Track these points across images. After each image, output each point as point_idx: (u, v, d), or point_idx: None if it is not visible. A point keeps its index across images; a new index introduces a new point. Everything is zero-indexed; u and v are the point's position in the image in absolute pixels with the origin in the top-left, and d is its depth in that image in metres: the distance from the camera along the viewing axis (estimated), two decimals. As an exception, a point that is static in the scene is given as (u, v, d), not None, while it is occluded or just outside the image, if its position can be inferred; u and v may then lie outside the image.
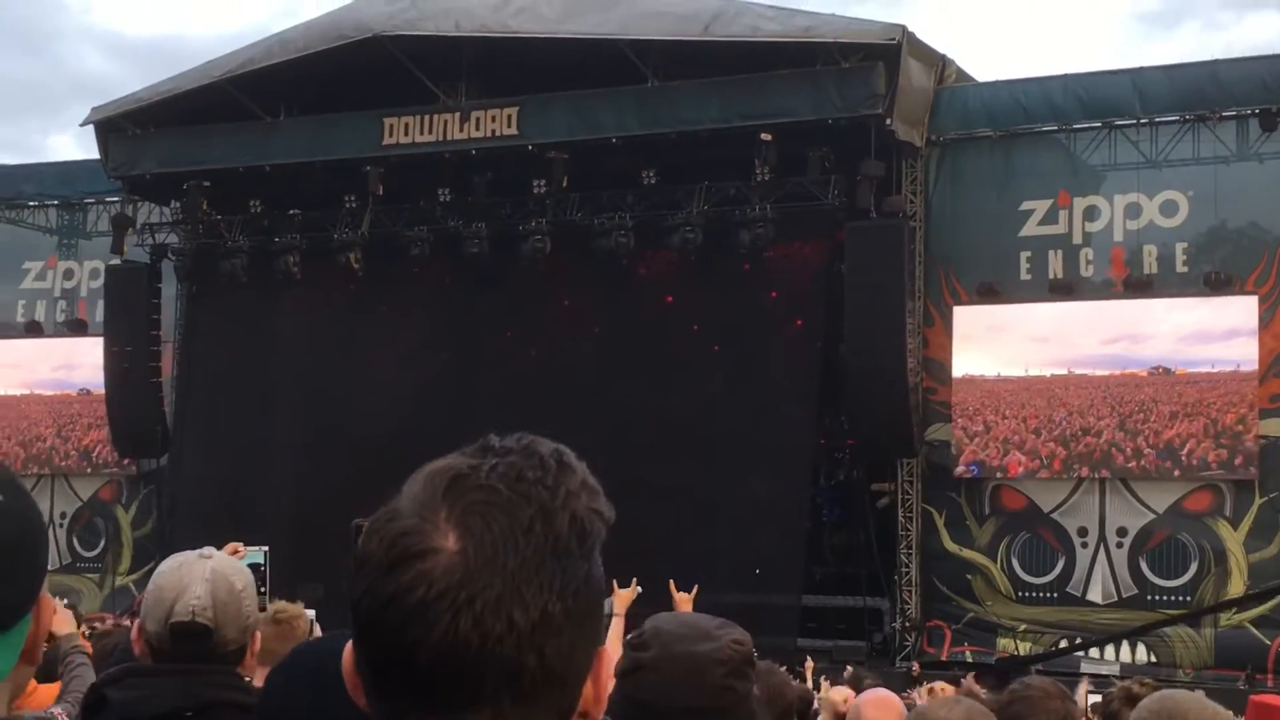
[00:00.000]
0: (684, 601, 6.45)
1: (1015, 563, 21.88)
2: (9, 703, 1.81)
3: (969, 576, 21.87)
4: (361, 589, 1.43)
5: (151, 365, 26.37)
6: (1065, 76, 22.63)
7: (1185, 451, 21.21)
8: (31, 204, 29.11)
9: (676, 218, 22.60)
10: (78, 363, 28.27)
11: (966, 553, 22.00)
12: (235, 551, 3.98)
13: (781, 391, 22.66)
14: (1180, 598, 20.72)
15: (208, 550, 3.69)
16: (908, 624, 21.96)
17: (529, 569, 1.39)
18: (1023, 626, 21.62)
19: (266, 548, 5.63)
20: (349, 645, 1.51)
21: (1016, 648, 21.29)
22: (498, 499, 1.42)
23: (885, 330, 21.55)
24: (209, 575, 3.52)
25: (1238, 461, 20.92)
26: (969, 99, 22.93)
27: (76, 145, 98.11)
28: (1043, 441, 22.01)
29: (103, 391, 27.04)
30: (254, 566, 4.02)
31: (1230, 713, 3.45)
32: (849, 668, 15.80)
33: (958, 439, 22.28)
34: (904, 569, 22.19)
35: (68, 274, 29.09)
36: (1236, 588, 20.58)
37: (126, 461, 27.72)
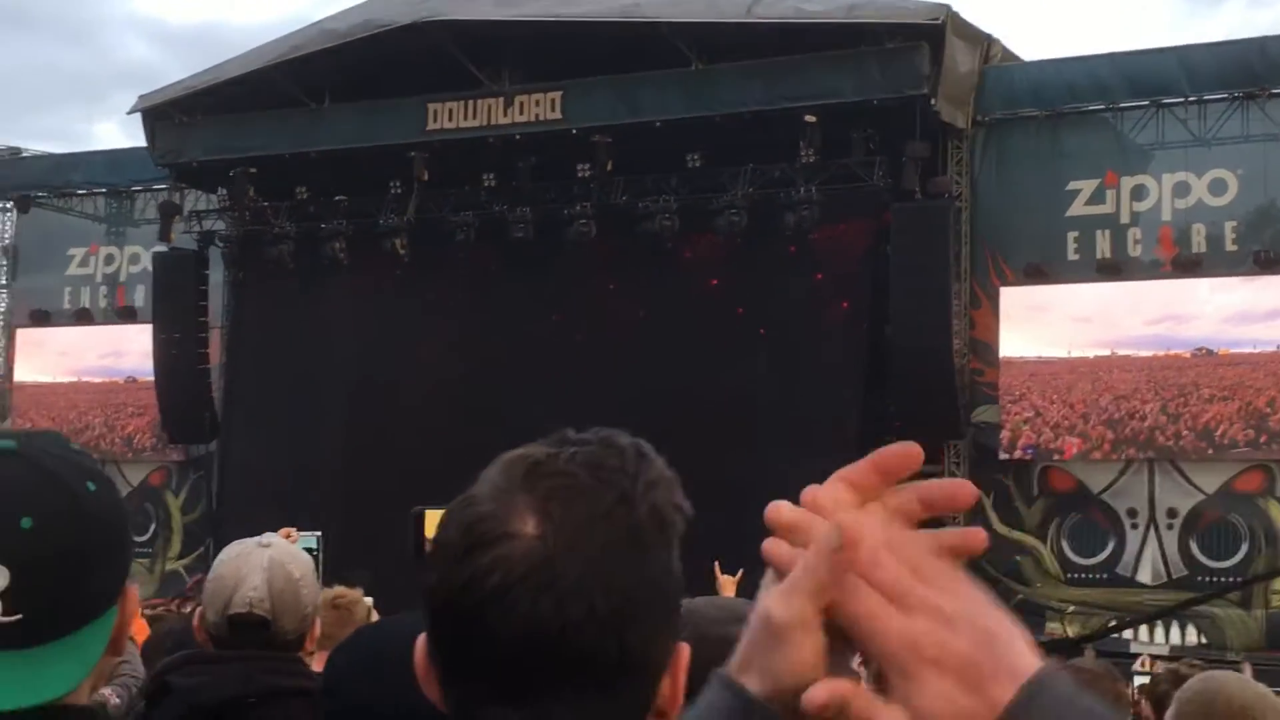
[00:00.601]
0: (728, 584, 6.44)
1: (1065, 544, 21.77)
2: (90, 691, 1.85)
3: (1018, 558, 21.78)
4: (437, 575, 1.42)
5: (199, 352, 26.52)
6: (1112, 55, 22.47)
7: (1219, 434, 21.07)
8: (80, 192, 29.32)
9: (721, 200, 22.56)
10: (125, 349, 28.47)
11: (1016, 534, 21.90)
12: (288, 536, 4.00)
13: (827, 374, 22.58)
14: (1231, 578, 20.58)
15: (267, 538, 3.69)
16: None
17: (610, 555, 1.38)
18: (1071, 608, 21.52)
19: (319, 533, 5.66)
20: (421, 636, 1.50)
21: (1065, 630, 21.19)
22: (577, 485, 1.42)
23: (931, 312, 21.46)
24: (267, 565, 3.53)
25: (1262, 439, 20.77)
26: (1015, 78, 22.79)
27: (121, 133, 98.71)
28: (1091, 425, 21.89)
29: (149, 378, 27.23)
30: (307, 552, 4.02)
31: (1273, 694, 3.43)
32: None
33: (1007, 421, 22.18)
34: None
35: (109, 259, 29.29)
36: (1288, 569, 20.43)
37: (174, 448, 27.90)
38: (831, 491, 1.17)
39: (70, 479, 1.80)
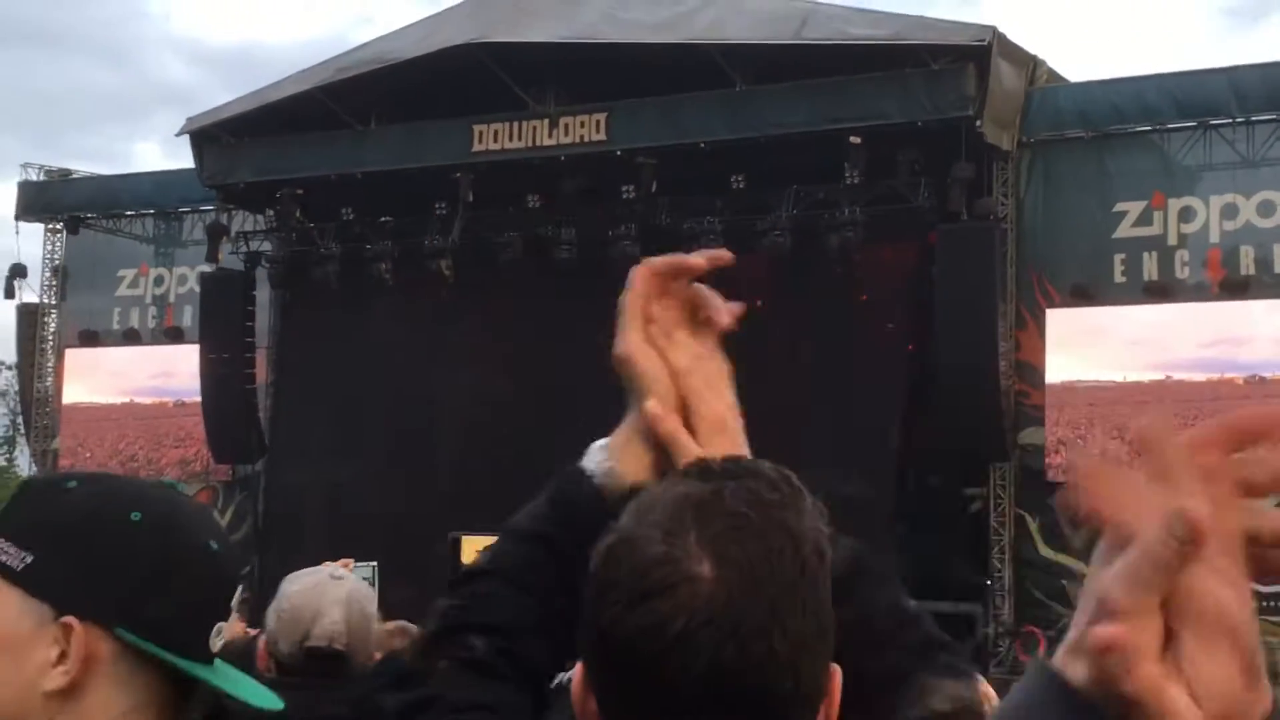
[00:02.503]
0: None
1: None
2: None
3: (1064, 582, 21.60)
4: (609, 617, 1.42)
5: (246, 372, 26.66)
6: (1159, 76, 22.36)
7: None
8: (128, 213, 29.57)
9: (765, 222, 22.54)
10: (174, 370, 28.64)
11: (1062, 558, 21.73)
12: (346, 566, 4.02)
13: (871, 395, 22.51)
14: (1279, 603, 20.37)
15: (339, 570, 3.71)
16: (1001, 630, 21.76)
17: (786, 594, 1.40)
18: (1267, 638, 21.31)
19: (375, 563, 5.68)
20: (578, 671, 1.52)
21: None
22: (749, 525, 1.43)
23: (977, 333, 21.37)
24: (344, 599, 3.54)
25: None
26: (1061, 100, 22.70)
27: (162, 153, 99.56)
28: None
29: (196, 399, 27.38)
30: (364, 581, 4.05)
31: None
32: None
33: (1052, 444, 22.05)
34: (997, 574, 21.99)
35: (158, 280, 29.50)
36: (1338, 594, 20.20)
37: (220, 468, 28.02)
38: (1168, 451, 1.09)
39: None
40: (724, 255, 1.97)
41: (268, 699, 1.90)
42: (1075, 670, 1.11)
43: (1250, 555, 1.07)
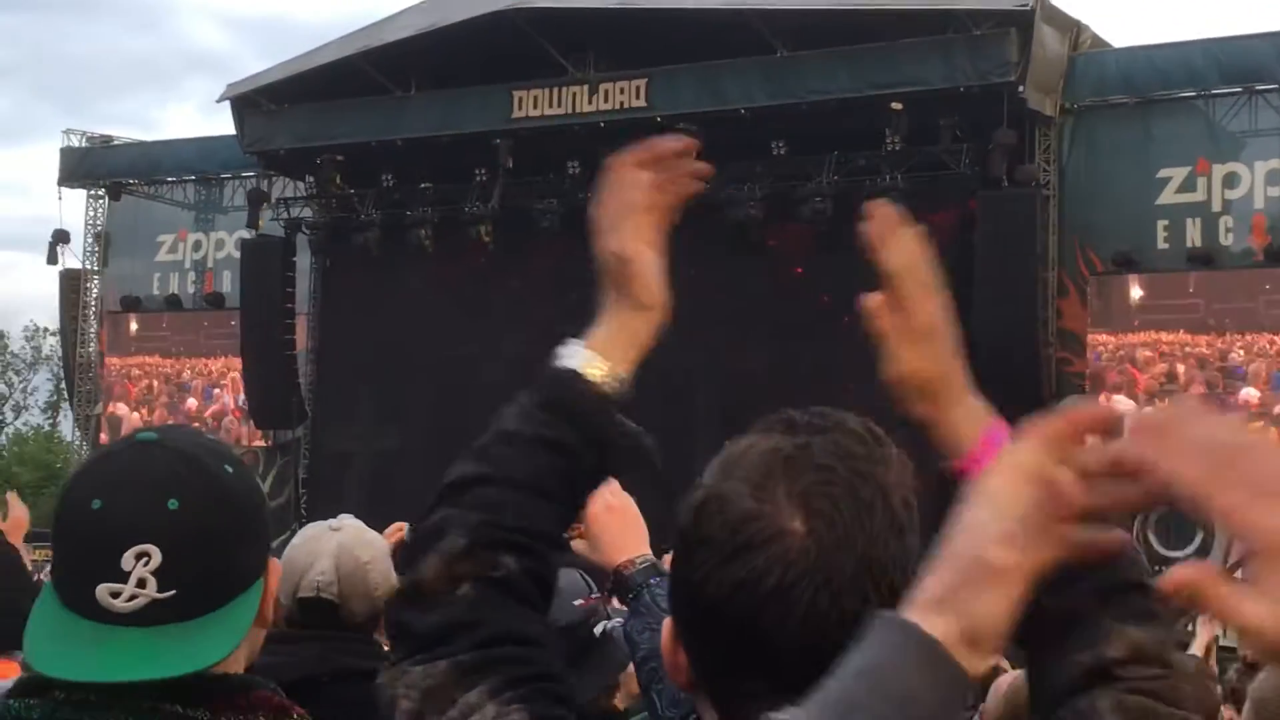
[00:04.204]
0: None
1: (1153, 536, 21.49)
2: (245, 663, 1.96)
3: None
4: (702, 573, 1.44)
5: (286, 338, 26.74)
6: (1204, 41, 22.15)
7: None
8: (169, 179, 29.69)
9: (806, 189, 22.46)
10: (215, 335, 28.77)
11: (1102, 526, 21.65)
12: (400, 531, 4.04)
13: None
14: None
15: (338, 521, 3.74)
16: (1041, 598, 21.71)
17: (878, 546, 1.42)
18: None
19: None
20: (667, 625, 1.54)
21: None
22: (837, 478, 1.45)
23: (1018, 301, 21.26)
24: (335, 549, 3.57)
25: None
26: (1105, 65, 22.51)
27: (198, 117, 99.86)
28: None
29: (237, 364, 27.54)
30: None
31: None
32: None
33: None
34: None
35: (197, 246, 29.64)
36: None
37: (261, 433, 28.16)
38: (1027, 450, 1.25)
39: (210, 462, 1.94)
40: (689, 143, 2.00)
41: (55, 666, 1.84)
42: (937, 626, 1.18)
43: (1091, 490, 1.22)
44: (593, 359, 1.81)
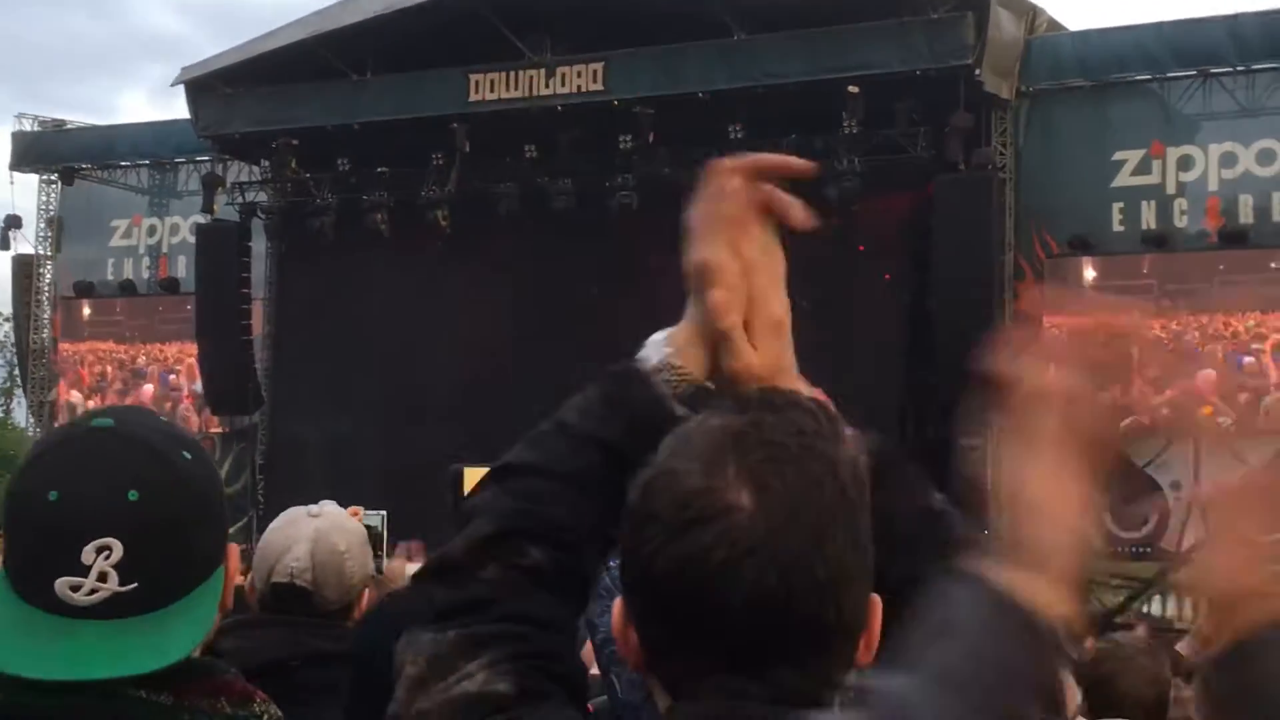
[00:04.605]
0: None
1: (1108, 517, 21.64)
2: (202, 646, 1.94)
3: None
4: (649, 550, 1.44)
5: (242, 323, 26.62)
6: (1159, 24, 22.25)
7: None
8: (123, 164, 29.49)
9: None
10: (170, 320, 28.61)
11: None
12: (355, 515, 4.03)
13: (869, 346, 22.52)
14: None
15: (318, 508, 3.72)
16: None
17: (825, 523, 1.41)
18: (1115, 582, 21.40)
19: (385, 512, 5.64)
20: (618, 604, 1.54)
21: (1108, 603, 21.07)
22: (786, 455, 1.44)
23: (975, 284, 21.33)
24: (312, 535, 3.56)
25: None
26: (1060, 48, 22.60)
27: (149, 103, 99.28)
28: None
29: (192, 350, 27.39)
30: (371, 530, 4.05)
31: None
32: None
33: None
34: (995, 523, 22.02)
35: (151, 230, 29.45)
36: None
37: (216, 419, 28.02)
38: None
39: (168, 450, 1.91)
40: (808, 165, 2.02)
41: (15, 662, 1.79)
42: (1000, 577, 1.26)
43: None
44: (670, 360, 1.81)
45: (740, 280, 1.83)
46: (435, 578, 1.68)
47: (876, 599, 1.50)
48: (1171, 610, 20.30)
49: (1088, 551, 1.24)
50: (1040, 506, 1.59)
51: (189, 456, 1.93)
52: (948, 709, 1.17)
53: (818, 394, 1.74)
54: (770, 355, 1.81)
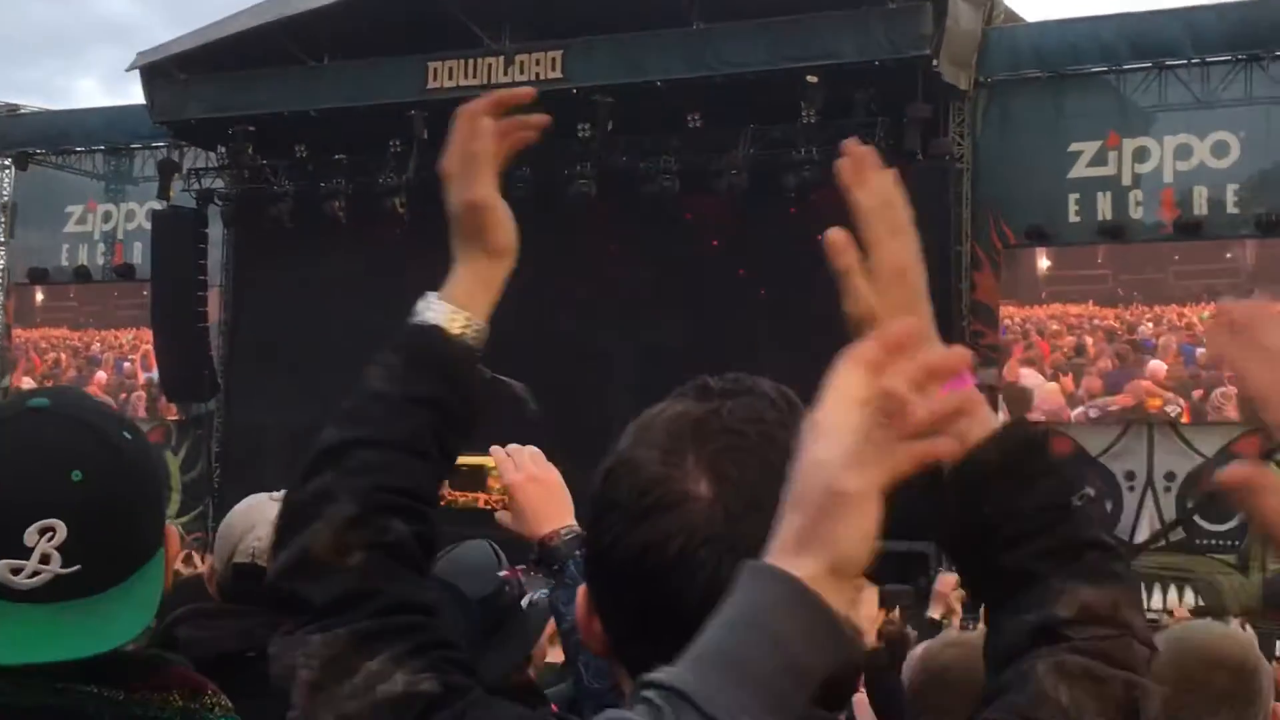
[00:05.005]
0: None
1: (1197, 515, 21.59)
2: (160, 635, 1.90)
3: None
4: (610, 537, 1.44)
5: (198, 310, 26.48)
6: (1116, 16, 22.38)
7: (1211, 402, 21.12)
8: (78, 149, 29.27)
9: (722, 161, 22.49)
10: (125, 306, 28.44)
11: (1013, 497, 21.89)
12: None
13: (828, 335, 22.30)
14: (1229, 542, 20.60)
15: (280, 493, 3.71)
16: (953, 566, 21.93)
17: None
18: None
19: None
20: (581, 592, 1.54)
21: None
22: (745, 443, 1.44)
23: (932, 274, 20.74)
24: (274, 518, 3.55)
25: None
26: (1018, 40, 22.70)
27: (100, 88, 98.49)
28: (1086, 390, 21.92)
29: (148, 337, 27.23)
30: None
31: (1248, 641, 3.35)
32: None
33: (1012, 383, 22.18)
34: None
35: (106, 216, 29.26)
36: (1286, 532, 20.41)
37: (172, 406, 27.88)
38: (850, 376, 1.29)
39: (108, 429, 1.88)
40: (529, 92, 2.05)
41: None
42: (797, 566, 1.21)
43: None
44: (453, 312, 1.82)
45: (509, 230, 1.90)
46: (301, 573, 1.64)
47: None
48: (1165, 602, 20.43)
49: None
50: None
51: (129, 436, 1.90)
52: (723, 691, 1.18)
53: (960, 352, 1.53)
54: (893, 302, 1.83)
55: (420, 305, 1.85)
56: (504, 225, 1.93)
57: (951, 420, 1.27)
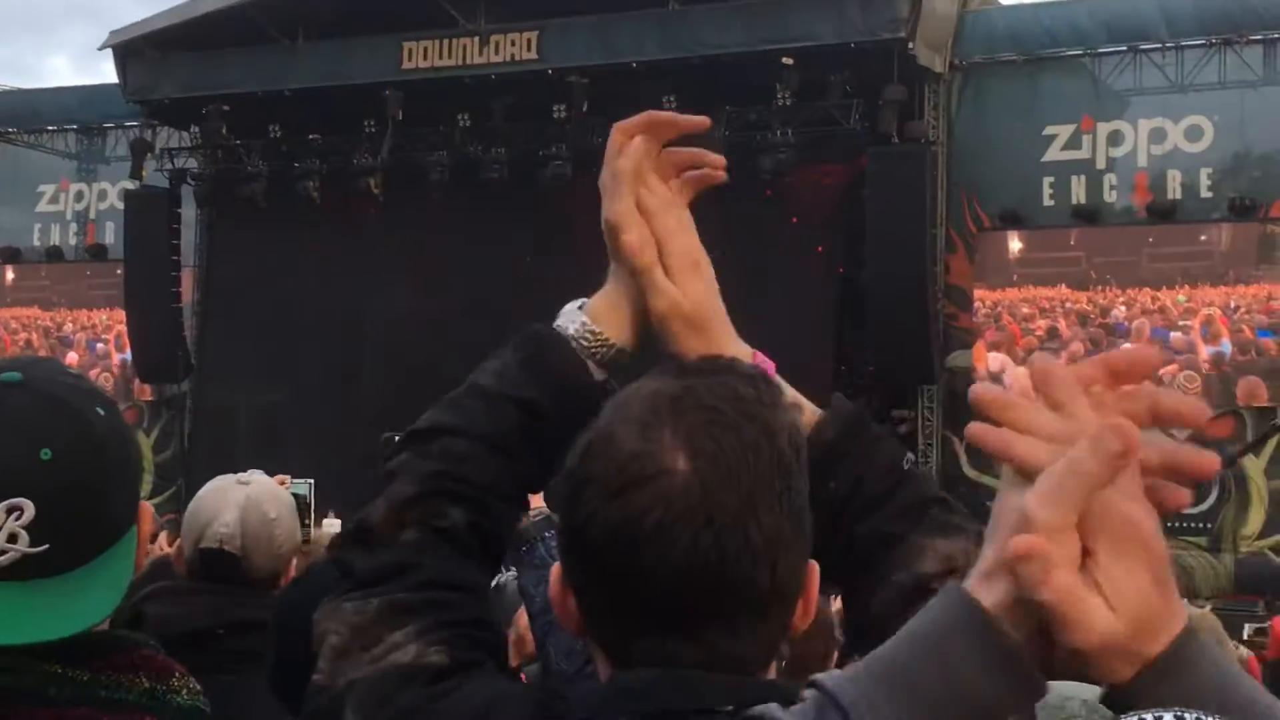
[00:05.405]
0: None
1: None
2: (127, 612, 1.87)
3: (988, 503, 21.61)
4: (586, 512, 1.44)
5: (172, 291, 26.38)
6: (1090, 0, 22.41)
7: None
8: (50, 128, 29.11)
9: (698, 143, 22.38)
10: (98, 286, 28.32)
11: (986, 479, 21.95)
12: (282, 484, 4.00)
13: (802, 317, 22.58)
14: (1201, 524, 20.70)
15: (247, 476, 3.71)
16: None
17: (761, 486, 1.41)
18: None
19: (312, 480, 5.61)
20: (556, 570, 1.53)
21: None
22: (723, 419, 1.44)
23: (907, 256, 21.44)
24: (242, 502, 3.54)
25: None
26: (993, 22, 22.73)
27: (71, 67, 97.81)
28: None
29: (122, 316, 27.13)
30: (298, 498, 4.03)
31: (1212, 623, 3.37)
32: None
33: (980, 365, 22.23)
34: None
35: (79, 196, 29.13)
36: (1257, 516, 20.56)
37: (145, 387, 27.78)
38: (1063, 384, 1.18)
39: (80, 405, 1.83)
40: (704, 121, 1.94)
41: None
42: (987, 596, 1.14)
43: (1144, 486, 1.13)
44: (587, 324, 1.82)
45: (650, 234, 1.83)
46: (356, 543, 1.69)
47: (814, 564, 1.51)
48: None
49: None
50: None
51: (102, 412, 1.86)
52: (886, 704, 1.16)
53: (758, 355, 1.75)
54: (693, 294, 1.80)
55: (565, 309, 1.86)
56: (641, 248, 1.84)
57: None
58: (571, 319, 1.83)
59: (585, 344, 1.80)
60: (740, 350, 1.80)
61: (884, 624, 1.61)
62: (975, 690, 1.14)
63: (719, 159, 1.94)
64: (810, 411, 1.75)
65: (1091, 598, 1.10)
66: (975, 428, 1.17)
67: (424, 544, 1.65)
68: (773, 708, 1.22)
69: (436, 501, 1.68)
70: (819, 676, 1.20)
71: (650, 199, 1.84)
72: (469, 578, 1.66)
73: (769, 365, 1.69)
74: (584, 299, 1.87)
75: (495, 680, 1.57)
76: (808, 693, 1.20)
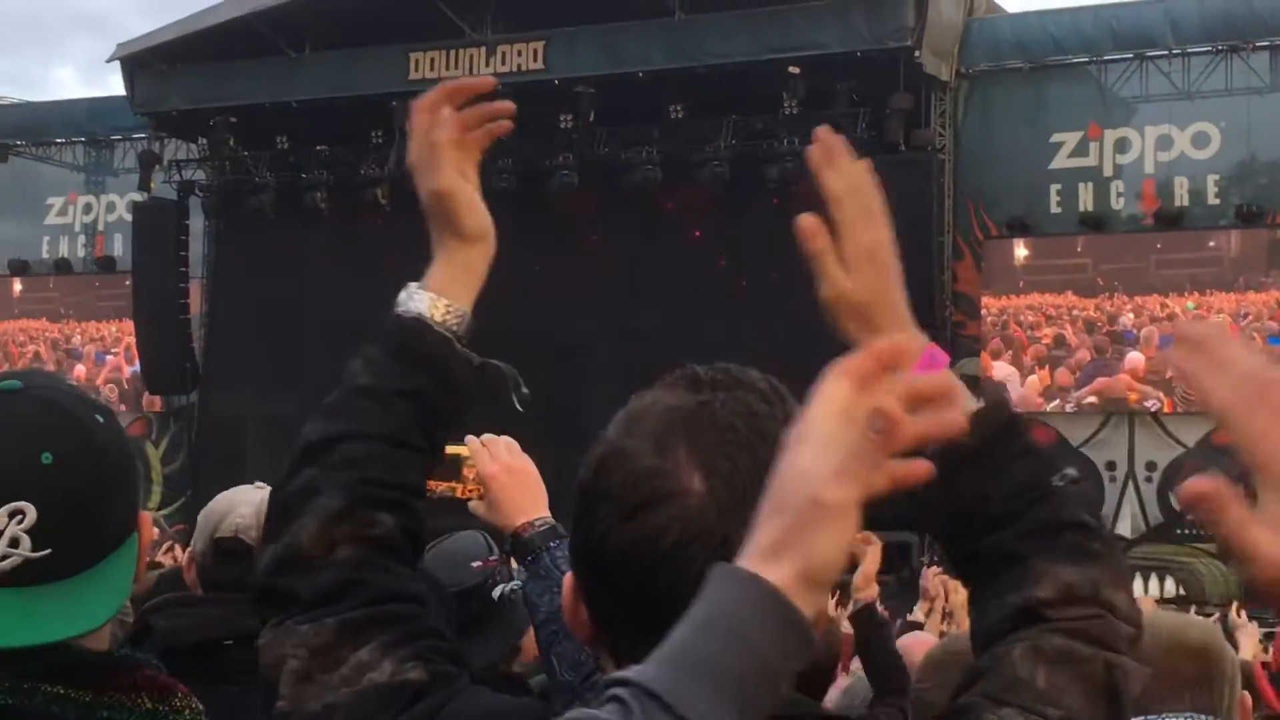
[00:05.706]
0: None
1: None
2: (134, 624, 1.88)
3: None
4: (601, 529, 1.44)
5: (180, 302, 26.40)
6: (1097, 7, 22.40)
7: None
8: (58, 141, 29.16)
9: (704, 152, 22.48)
10: (107, 298, 28.34)
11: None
12: None
13: (808, 326, 22.36)
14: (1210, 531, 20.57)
15: (263, 484, 3.74)
16: (935, 559, 21.96)
17: None
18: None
19: None
20: (568, 580, 1.54)
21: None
22: (737, 437, 1.45)
23: (914, 265, 20.99)
24: (258, 500, 3.57)
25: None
26: (999, 30, 22.72)
27: (78, 79, 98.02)
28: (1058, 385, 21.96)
29: (130, 328, 27.13)
30: None
31: (1212, 628, 3.37)
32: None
33: (990, 375, 22.20)
34: (932, 503, 22.14)
35: (87, 208, 29.17)
36: (1266, 522, 20.47)
37: (153, 398, 27.79)
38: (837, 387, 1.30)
39: (80, 412, 1.86)
40: (490, 81, 2.07)
41: None
42: (770, 571, 1.20)
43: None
44: (435, 301, 1.83)
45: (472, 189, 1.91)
46: (290, 569, 1.65)
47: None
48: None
49: None
50: None
51: (102, 420, 1.89)
52: (693, 692, 1.18)
53: (931, 347, 1.67)
54: (865, 284, 1.85)
55: (402, 296, 1.85)
56: (473, 210, 1.93)
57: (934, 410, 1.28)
58: (419, 300, 1.84)
59: (446, 321, 1.81)
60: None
61: (985, 641, 1.61)
62: (771, 663, 1.19)
63: (506, 106, 2.06)
64: (968, 401, 1.69)
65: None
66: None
67: (361, 558, 1.63)
68: (579, 712, 1.23)
69: (365, 511, 1.65)
70: (623, 674, 1.21)
71: (837, 182, 1.93)
72: (413, 586, 1.65)
73: (942, 359, 1.64)
74: (415, 283, 1.89)
75: (479, 693, 1.57)
76: (618, 690, 1.20)
